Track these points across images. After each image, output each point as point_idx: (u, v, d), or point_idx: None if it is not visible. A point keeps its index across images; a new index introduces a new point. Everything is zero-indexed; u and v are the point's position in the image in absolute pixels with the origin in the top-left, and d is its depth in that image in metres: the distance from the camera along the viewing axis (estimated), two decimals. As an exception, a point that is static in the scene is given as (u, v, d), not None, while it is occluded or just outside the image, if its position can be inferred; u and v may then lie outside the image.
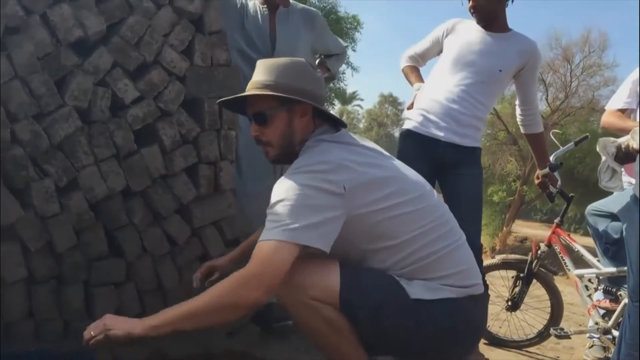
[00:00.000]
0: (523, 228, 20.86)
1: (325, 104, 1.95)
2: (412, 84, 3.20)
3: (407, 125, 3.00)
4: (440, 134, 2.86)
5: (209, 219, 2.59)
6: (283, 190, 1.66)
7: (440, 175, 2.94)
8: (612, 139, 2.79)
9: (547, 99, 18.81)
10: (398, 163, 1.88)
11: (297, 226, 1.59)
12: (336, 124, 1.87)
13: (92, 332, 1.56)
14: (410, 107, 3.09)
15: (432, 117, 2.89)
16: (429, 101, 2.93)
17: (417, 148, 2.91)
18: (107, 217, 2.31)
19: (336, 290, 1.67)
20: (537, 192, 18.80)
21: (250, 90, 1.83)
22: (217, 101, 2.04)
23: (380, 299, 1.68)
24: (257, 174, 2.94)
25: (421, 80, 3.17)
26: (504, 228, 19.19)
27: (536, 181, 3.43)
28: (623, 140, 2.70)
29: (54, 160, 2.17)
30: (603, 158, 2.85)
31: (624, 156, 2.71)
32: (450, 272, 1.75)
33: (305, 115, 1.81)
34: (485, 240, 16.86)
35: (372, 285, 1.70)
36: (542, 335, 3.58)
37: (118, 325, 1.58)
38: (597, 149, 2.75)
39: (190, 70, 2.49)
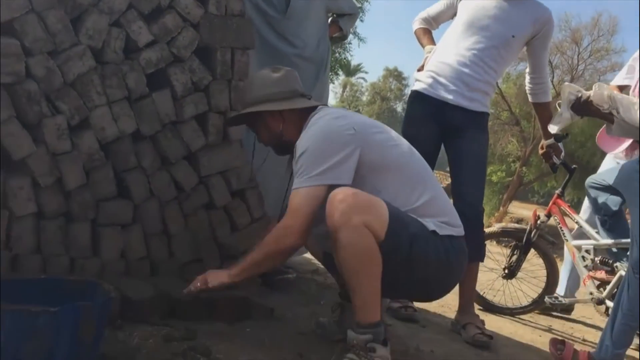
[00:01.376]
0: (519, 209, 20.94)
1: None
2: (423, 47, 3.19)
3: (417, 87, 3.00)
4: (449, 97, 2.87)
5: (216, 168, 2.61)
6: (304, 142, 2.00)
7: (447, 139, 2.95)
8: (576, 87, 2.79)
9: (552, 81, 18.69)
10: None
11: (318, 171, 1.93)
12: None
13: (197, 284, 2.08)
14: (421, 69, 3.08)
15: (442, 79, 2.89)
16: (439, 64, 2.92)
17: (426, 110, 2.92)
18: (117, 159, 2.33)
19: (386, 220, 1.87)
20: (536, 174, 18.86)
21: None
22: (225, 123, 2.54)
23: (415, 229, 1.93)
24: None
25: (433, 43, 3.16)
26: (501, 208, 19.25)
27: (540, 151, 3.45)
28: (585, 92, 2.71)
29: (67, 98, 2.17)
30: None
31: (580, 107, 2.71)
32: (447, 212, 2.07)
33: (275, 115, 2.16)
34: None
35: (407, 218, 1.95)
36: (536, 303, 3.64)
37: (213, 277, 2.08)
38: (560, 92, 2.76)
39: (205, 17, 2.49)
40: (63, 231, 2.22)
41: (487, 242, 3.69)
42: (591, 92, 2.68)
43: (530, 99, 3.20)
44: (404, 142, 2.16)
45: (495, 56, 2.92)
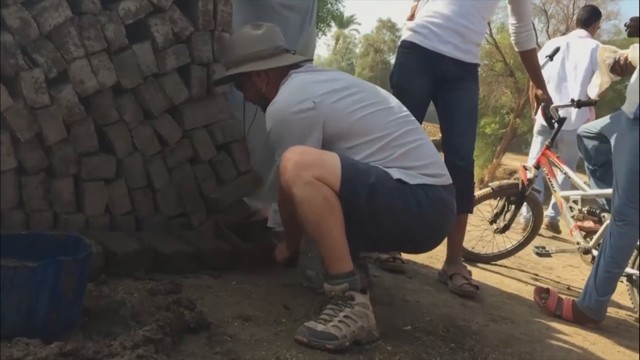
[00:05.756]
0: (513, 161, 20.95)
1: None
2: None
3: (411, 37, 2.91)
4: (444, 49, 2.81)
5: (201, 121, 2.57)
6: (269, 118, 2.05)
7: (439, 90, 2.91)
8: (613, 47, 2.76)
9: (547, 31, 18.47)
10: (356, 78, 2.31)
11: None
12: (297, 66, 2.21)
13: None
14: (411, 17, 3.02)
15: (438, 30, 2.81)
16: (435, 14, 2.84)
17: (420, 62, 2.86)
18: (98, 113, 2.29)
19: (338, 171, 1.88)
20: (530, 125, 18.79)
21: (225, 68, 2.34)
22: (213, 83, 2.52)
23: (373, 179, 1.91)
24: None
25: None
26: (494, 160, 19.27)
27: (534, 104, 3.41)
28: (622, 52, 2.68)
29: (44, 51, 2.12)
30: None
31: (619, 68, 2.70)
32: (422, 162, 2.02)
33: (260, 75, 2.19)
34: (474, 172, 16.87)
35: (365, 168, 1.95)
36: (523, 245, 3.72)
37: (281, 255, 2.39)
38: (597, 56, 2.75)
39: (185, -35, 2.41)
40: (45, 186, 2.20)
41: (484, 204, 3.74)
42: (628, 52, 2.66)
43: (516, 48, 3.15)
44: (380, 98, 2.12)
45: (487, 7, 2.89)
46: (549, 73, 4.59)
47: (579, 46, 4.79)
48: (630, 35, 2.60)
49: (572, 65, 4.77)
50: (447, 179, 2.08)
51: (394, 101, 2.17)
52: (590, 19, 4.92)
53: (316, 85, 2.06)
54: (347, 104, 2.02)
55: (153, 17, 2.37)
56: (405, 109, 2.16)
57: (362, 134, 2.00)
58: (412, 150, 2.02)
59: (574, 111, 4.38)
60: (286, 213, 2.16)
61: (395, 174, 1.94)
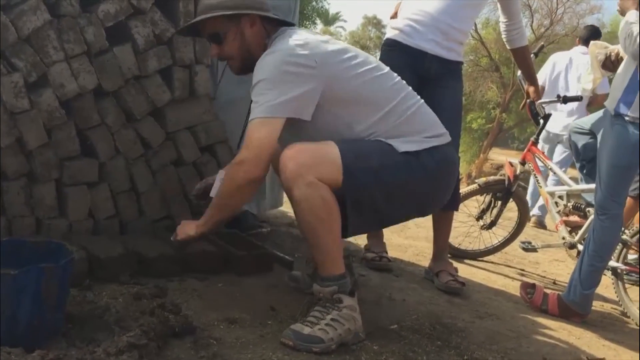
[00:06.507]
0: (500, 156, 21.03)
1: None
2: None
3: (394, 35, 2.91)
4: (427, 46, 2.80)
5: (184, 123, 2.56)
6: (262, 70, 1.86)
7: (422, 88, 2.90)
8: (604, 44, 2.77)
9: (532, 25, 18.54)
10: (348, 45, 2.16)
11: (277, 102, 1.82)
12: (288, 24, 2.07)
13: (176, 237, 2.03)
14: (394, 15, 3.01)
15: (420, 28, 2.81)
16: (418, 11, 2.84)
17: (403, 59, 2.84)
18: (79, 116, 2.27)
19: (339, 161, 1.83)
20: (516, 120, 18.90)
21: (199, 14, 1.99)
22: (176, 32, 2.34)
23: (375, 161, 1.88)
24: (234, 80, 2.88)
25: None
26: (481, 155, 19.36)
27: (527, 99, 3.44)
28: (613, 48, 2.69)
29: (23, 55, 2.10)
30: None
31: (610, 63, 2.72)
32: (425, 125, 2.02)
33: (254, 25, 1.98)
34: (461, 167, 16.90)
35: (366, 149, 1.90)
36: (509, 241, 3.75)
37: (182, 231, 2.02)
38: (588, 52, 2.77)
39: (165, -34, 2.40)
40: (27, 192, 2.18)
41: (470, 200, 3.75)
42: (619, 47, 2.67)
43: (508, 46, 3.16)
44: (376, 63, 2.04)
45: (474, 5, 2.88)
46: (553, 86, 5.27)
47: (581, 61, 5.26)
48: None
49: (575, 79, 5.28)
50: (447, 136, 2.09)
51: (386, 67, 2.09)
52: (590, 38, 5.25)
53: (320, 43, 1.92)
54: (351, 67, 1.94)
55: (133, 19, 2.36)
56: (395, 74, 2.11)
57: (365, 99, 1.94)
58: (414, 114, 2.00)
59: (574, 116, 4.75)
60: (238, 199, 1.94)
61: (401, 146, 1.91)
